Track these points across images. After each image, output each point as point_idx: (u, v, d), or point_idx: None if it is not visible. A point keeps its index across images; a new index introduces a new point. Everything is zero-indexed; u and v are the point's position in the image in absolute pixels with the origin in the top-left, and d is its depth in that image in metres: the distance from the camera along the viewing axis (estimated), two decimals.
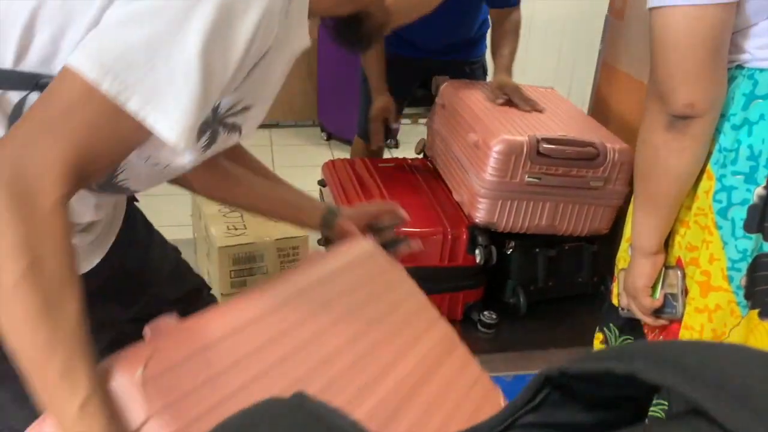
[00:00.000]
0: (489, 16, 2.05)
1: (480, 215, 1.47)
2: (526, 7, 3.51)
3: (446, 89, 1.77)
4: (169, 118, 0.60)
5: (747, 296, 0.91)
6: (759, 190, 0.88)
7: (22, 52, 0.65)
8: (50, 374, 0.56)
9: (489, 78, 2.11)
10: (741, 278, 0.91)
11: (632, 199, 1.01)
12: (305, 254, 1.55)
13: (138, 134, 0.62)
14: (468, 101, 1.63)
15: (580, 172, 1.45)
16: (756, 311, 0.92)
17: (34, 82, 0.65)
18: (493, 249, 1.49)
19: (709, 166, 0.93)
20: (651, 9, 0.87)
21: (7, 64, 0.65)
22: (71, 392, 0.56)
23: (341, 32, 0.86)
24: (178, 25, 0.59)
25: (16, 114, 0.66)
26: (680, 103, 0.87)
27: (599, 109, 1.90)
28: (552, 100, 1.74)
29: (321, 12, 0.81)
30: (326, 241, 1.62)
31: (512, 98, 1.64)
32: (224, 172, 1.01)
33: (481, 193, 1.45)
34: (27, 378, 0.57)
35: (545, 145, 1.40)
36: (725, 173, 0.91)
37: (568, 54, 3.67)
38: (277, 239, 1.50)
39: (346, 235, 1.04)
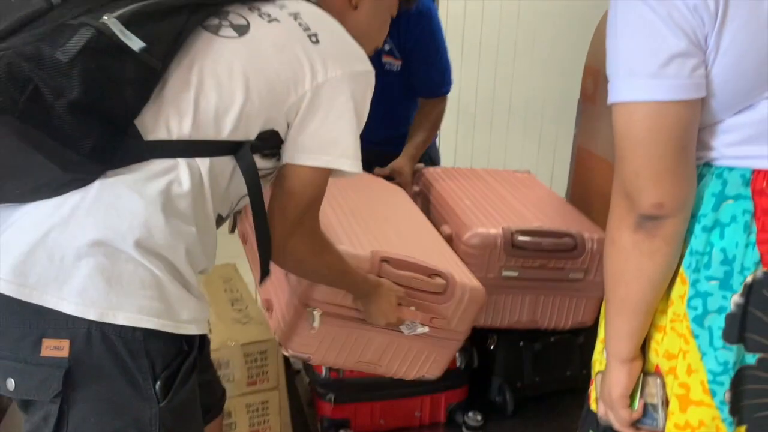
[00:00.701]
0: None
1: None
2: (503, 89, 3.61)
3: (422, 176, 1.75)
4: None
5: (732, 412, 0.84)
6: (736, 298, 0.83)
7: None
8: None
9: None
10: (724, 392, 0.84)
11: (603, 301, 0.96)
12: (274, 359, 1.47)
13: None
14: (441, 191, 1.60)
15: (559, 264, 1.40)
16: (743, 428, 0.85)
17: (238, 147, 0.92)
18: (474, 352, 1.42)
19: (682, 269, 0.88)
20: (612, 104, 0.84)
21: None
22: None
23: None
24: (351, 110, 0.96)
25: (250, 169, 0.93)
26: (648, 203, 0.82)
27: (578, 194, 1.87)
28: (528, 186, 1.72)
29: None
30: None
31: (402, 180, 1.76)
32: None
33: None
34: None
35: (520, 238, 1.36)
36: (699, 278, 0.85)
37: (548, 137, 3.71)
38: (244, 344, 1.43)
39: None
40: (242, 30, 0.92)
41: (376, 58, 1.92)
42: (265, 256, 0.96)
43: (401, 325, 1.20)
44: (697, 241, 0.85)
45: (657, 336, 0.91)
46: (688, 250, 0.86)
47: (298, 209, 0.96)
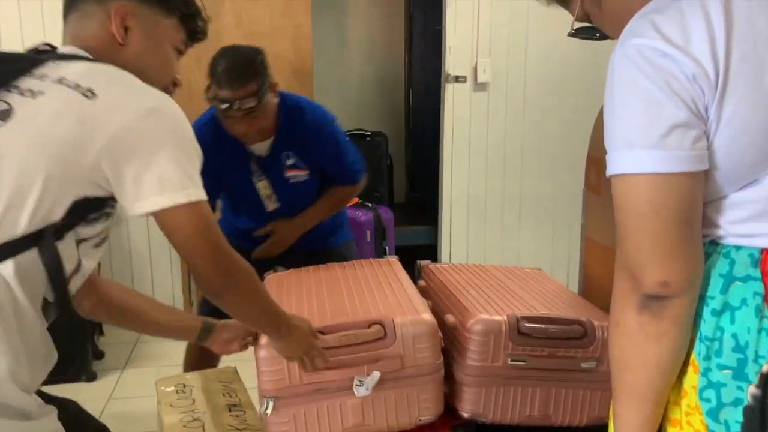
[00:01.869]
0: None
1: (465, 407, 1.34)
2: (513, 184, 3.62)
3: (426, 272, 1.72)
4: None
5: None
6: (752, 390, 0.76)
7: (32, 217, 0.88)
8: None
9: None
10: None
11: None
12: None
13: None
14: (446, 282, 1.57)
15: (569, 353, 1.34)
16: None
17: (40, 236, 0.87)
18: None
19: (693, 356, 0.81)
20: (611, 177, 0.81)
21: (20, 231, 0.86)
22: None
23: None
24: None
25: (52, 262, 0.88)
26: (653, 282, 0.77)
27: (589, 287, 1.82)
28: (538, 281, 1.68)
29: None
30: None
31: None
32: (119, 306, 1.30)
33: (464, 381, 1.33)
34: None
35: (526, 324, 1.31)
36: (710, 366, 0.79)
37: (561, 232, 3.68)
38: None
39: (224, 345, 1.39)
40: (4, 115, 0.89)
41: (278, 174, 2.07)
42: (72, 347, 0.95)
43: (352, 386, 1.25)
44: (706, 326, 0.79)
45: (671, 431, 0.84)
46: (698, 336, 0.80)
47: (190, 251, 0.96)
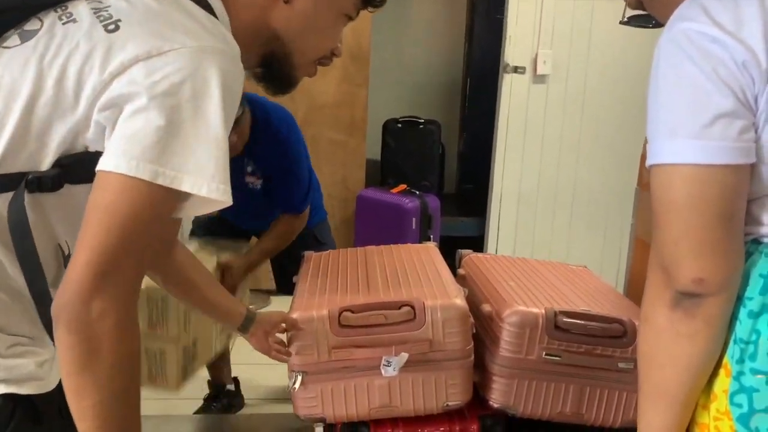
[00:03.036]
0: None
1: (495, 396, 1.31)
2: (566, 184, 3.53)
3: (467, 261, 1.70)
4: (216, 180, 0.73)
5: None
6: None
7: (5, 156, 0.74)
8: None
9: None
10: None
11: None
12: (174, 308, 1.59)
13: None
14: (486, 272, 1.54)
15: (606, 351, 1.29)
16: None
17: (24, 179, 0.74)
18: None
19: (726, 359, 0.77)
20: (651, 167, 0.78)
21: None
22: None
23: (267, 78, 0.97)
24: (197, 113, 0.72)
25: (16, 217, 0.73)
26: (687, 278, 0.74)
27: (635, 287, 1.77)
28: (581, 278, 1.63)
29: None
30: None
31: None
32: (184, 279, 1.20)
33: (495, 371, 1.31)
34: None
35: (564, 319, 1.28)
36: (743, 370, 0.75)
37: (613, 229, 3.57)
38: (147, 287, 1.39)
39: (262, 339, 1.33)
40: (28, 35, 0.77)
41: (238, 178, 2.10)
42: (45, 318, 0.73)
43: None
44: (742, 328, 0.75)
45: None
46: (732, 338, 0.76)
47: (108, 242, 0.70)
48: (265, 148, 2.12)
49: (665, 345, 0.77)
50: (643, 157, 1.78)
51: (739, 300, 0.76)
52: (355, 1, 0.96)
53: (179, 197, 0.74)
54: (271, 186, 2.18)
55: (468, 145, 4.37)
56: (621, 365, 1.31)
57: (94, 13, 0.78)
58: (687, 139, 0.73)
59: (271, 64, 0.95)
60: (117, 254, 0.70)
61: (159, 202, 0.72)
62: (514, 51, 3.49)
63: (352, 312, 1.26)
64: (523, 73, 3.49)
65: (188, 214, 0.78)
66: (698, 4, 0.75)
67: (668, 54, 0.76)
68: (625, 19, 0.98)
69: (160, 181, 0.71)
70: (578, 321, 1.28)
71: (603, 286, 1.62)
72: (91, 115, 0.74)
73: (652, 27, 0.95)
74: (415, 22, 4.46)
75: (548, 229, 3.62)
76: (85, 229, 0.71)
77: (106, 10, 0.78)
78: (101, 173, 0.72)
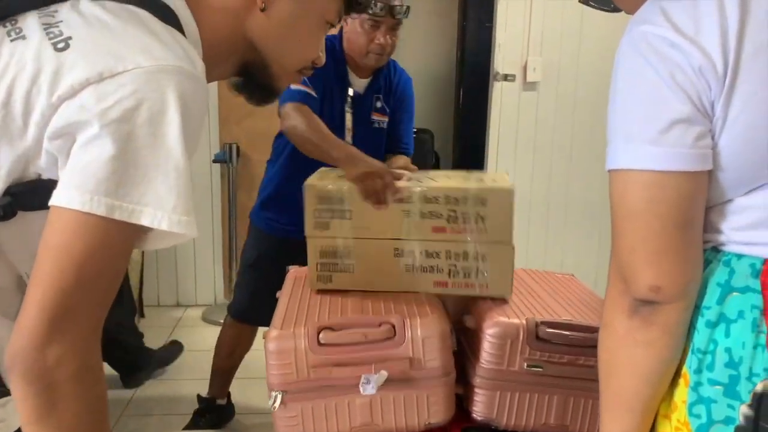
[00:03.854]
0: None
1: (478, 409, 1.31)
2: (559, 192, 3.52)
3: None
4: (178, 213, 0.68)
5: None
6: (744, 409, 0.71)
7: None
8: None
9: None
10: None
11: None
12: None
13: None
14: None
15: (589, 361, 1.28)
16: None
17: None
18: None
19: (684, 369, 0.76)
20: (609, 171, 0.77)
21: None
22: None
23: (247, 88, 0.92)
24: (155, 140, 0.67)
25: None
26: (644, 285, 0.73)
27: None
28: (566, 286, 1.63)
29: (210, 79, 0.84)
30: None
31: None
32: None
33: (477, 384, 1.30)
34: None
35: (546, 329, 1.27)
36: (701, 381, 0.74)
37: (607, 240, 3.56)
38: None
39: None
40: None
41: (365, 114, 2.09)
42: None
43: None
44: (699, 338, 0.74)
45: None
46: (690, 348, 0.75)
47: (62, 286, 0.66)
48: (394, 84, 2.15)
49: (624, 352, 0.77)
50: None
51: (697, 309, 0.76)
52: (336, 7, 0.91)
53: (139, 231, 0.69)
54: (394, 125, 2.17)
55: (462, 153, 4.37)
56: None
57: (45, 29, 0.72)
58: (643, 144, 0.72)
59: (250, 75, 0.90)
60: (72, 296, 0.66)
61: (116, 239, 0.68)
62: (503, 59, 3.49)
63: (332, 330, 1.25)
64: (513, 80, 3.50)
65: (149, 248, 0.74)
66: (658, 6, 0.74)
67: (627, 57, 0.75)
68: None
69: (116, 216, 0.66)
70: (560, 331, 1.27)
71: (588, 295, 1.61)
72: (42, 142, 0.69)
73: (610, 11, 0.94)
74: (407, 32, 4.45)
75: (542, 236, 3.61)
76: (38, 270, 0.66)
77: (57, 27, 0.72)
78: (54, 208, 0.67)
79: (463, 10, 4.32)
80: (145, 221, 0.67)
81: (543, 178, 3.57)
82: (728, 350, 0.72)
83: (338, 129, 2.07)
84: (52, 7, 0.75)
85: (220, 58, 0.85)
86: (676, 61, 0.70)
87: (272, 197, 2.18)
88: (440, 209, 1.39)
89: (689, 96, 0.70)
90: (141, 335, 2.81)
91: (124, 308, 2.73)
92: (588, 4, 0.96)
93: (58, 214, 0.67)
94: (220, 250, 3.62)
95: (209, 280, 3.63)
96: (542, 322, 1.28)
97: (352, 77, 2.10)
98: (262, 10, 0.84)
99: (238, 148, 3.42)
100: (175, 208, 0.68)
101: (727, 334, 0.72)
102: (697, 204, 0.73)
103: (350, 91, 2.09)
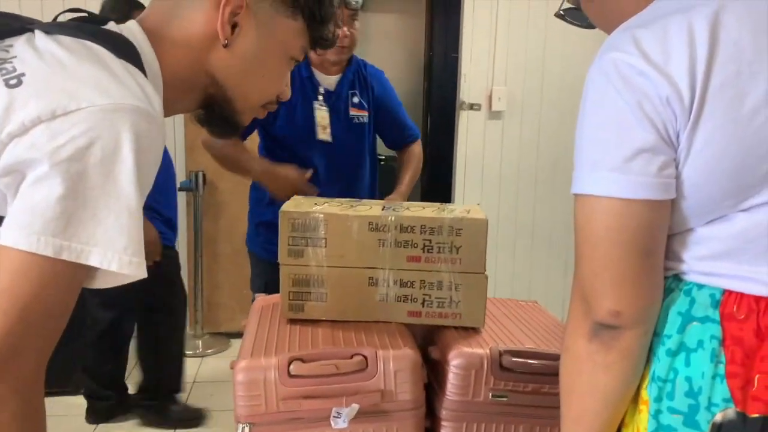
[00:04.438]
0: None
1: None
2: (525, 218, 3.58)
3: None
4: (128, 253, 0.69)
5: None
6: None
7: None
8: None
9: None
10: None
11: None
12: None
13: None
14: None
15: (553, 389, 1.29)
16: None
17: None
18: None
19: (646, 396, 0.78)
20: (574, 196, 0.78)
21: None
22: None
23: (209, 121, 0.92)
24: (107, 180, 0.67)
25: None
26: (604, 310, 0.75)
27: None
28: (530, 314, 1.65)
29: (172, 113, 0.87)
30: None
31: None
32: None
33: (443, 416, 1.30)
34: None
35: (510, 358, 1.28)
36: (661, 408, 0.76)
37: (573, 265, 3.62)
38: None
39: None
40: None
41: (343, 110, 2.11)
42: None
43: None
44: (660, 366, 0.76)
45: None
46: (650, 375, 0.77)
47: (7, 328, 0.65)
48: (368, 79, 2.18)
49: (584, 375, 0.78)
50: None
51: (658, 337, 0.77)
52: (302, 44, 0.91)
53: (87, 272, 0.69)
54: (389, 120, 2.22)
55: (430, 179, 4.41)
56: None
57: None
58: (608, 171, 0.73)
59: (212, 108, 0.90)
60: (15, 339, 0.65)
61: (64, 280, 0.67)
62: (469, 88, 3.56)
63: (303, 361, 1.24)
64: (478, 109, 3.56)
65: (97, 287, 0.73)
66: (630, 34, 0.74)
67: (596, 84, 0.75)
68: (561, 11, 0.96)
69: (65, 257, 0.65)
70: (523, 360, 1.29)
71: (552, 322, 1.63)
72: None
73: (584, 27, 0.95)
74: (375, 61, 4.52)
75: (509, 264, 3.66)
76: None
77: (11, 62, 0.71)
78: (0, 248, 0.66)
79: (429, 40, 4.40)
80: (93, 262, 0.67)
81: (509, 205, 3.63)
82: (688, 379, 0.74)
83: (308, 133, 2.11)
84: (7, 41, 0.75)
85: (182, 92, 0.86)
86: (643, 89, 0.71)
87: (263, 222, 2.18)
88: (415, 239, 1.40)
89: (655, 125, 0.71)
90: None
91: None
92: (563, 19, 0.97)
93: (4, 254, 0.66)
94: (185, 278, 3.58)
95: None
96: (506, 351, 1.29)
97: (320, 76, 2.12)
98: (225, 46, 0.83)
99: (204, 175, 3.41)
100: (125, 248, 0.68)
101: (687, 363, 0.74)
102: (658, 232, 0.75)
103: (321, 89, 2.11)
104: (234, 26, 0.83)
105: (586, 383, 0.78)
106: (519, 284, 3.62)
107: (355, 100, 2.15)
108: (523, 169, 3.62)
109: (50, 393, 1.13)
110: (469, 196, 3.61)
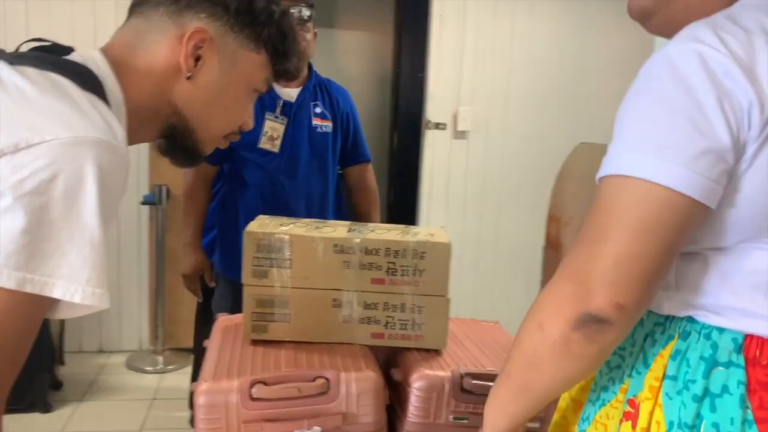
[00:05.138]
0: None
1: None
2: (489, 237, 3.63)
3: None
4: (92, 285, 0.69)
5: None
6: None
7: None
8: None
9: None
10: None
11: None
12: None
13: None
14: None
15: None
16: None
17: None
18: None
19: None
20: (612, 176, 0.72)
21: None
22: None
23: (171, 151, 0.93)
24: (70, 212, 0.67)
25: None
26: (609, 301, 0.69)
27: None
28: (491, 334, 1.67)
29: (135, 141, 0.87)
30: None
31: None
32: None
33: None
34: None
35: (470, 381, 1.30)
36: None
37: (536, 284, 3.67)
38: None
39: None
40: None
41: (306, 120, 2.16)
42: None
43: None
44: (686, 412, 0.73)
45: None
46: (676, 422, 0.74)
47: None
48: (332, 93, 2.23)
49: (553, 357, 0.74)
50: (551, 218, 1.86)
51: (676, 381, 0.75)
52: (264, 76, 0.92)
53: (51, 302, 0.69)
54: (349, 139, 2.28)
55: (396, 197, 4.44)
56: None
57: None
58: (676, 163, 0.68)
59: (173, 138, 0.91)
60: None
61: (26, 312, 0.67)
62: (435, 108, 3.61)
63: (265, 384, 1.24)
64: (444, 128, 3.61)
65: (60, 317, 0.73)
66: (711, 29, 0.70)
67: (676, 69, 0.70)
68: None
69: (28, 289, 0.66)
70: (484, 382, 1.31)
71: (512, 342, 1.66)
72: None
73: (649, 29, 0.89)
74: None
75: (472, 283, 3.69)
76: None
77: None
78: None
79: (396, 59, 4.45)
80: (57, 294, 0.67)
81: (473, 224, 3.67)
82: (715, 425, 0.72)
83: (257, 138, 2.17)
84: None
85: (145, 122, 0.86)
86: (727, 90, 0.68)
87: (225, 237, 2.21)
88: (380, 261, 1.41)
89: (731, 128, 0.68)
90: None
91: None
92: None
93: None
94: (146, 293, 3.53)
95: (134, 325, 3.53)
96: (467, 374, 1.31)
97: (278, 89, 2.14)
98: (188, 78, 0.85)
99: (168, 190, 3.37)
100: (89, 280, 0.68)
101: (713, 409, 0.72)
102: (690, 237, 0.72)
103: (279, 102, 2.13)
104: (198, 59, 0.85)
105: (551, 364, 0.75)
106: (482, 302, 3.65)
107: (318, 110, 2.20)
108: (487, 188, 3.67)
109: None
110: (434, 215, 3.64)
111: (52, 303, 0.70)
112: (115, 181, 0.72)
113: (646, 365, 0.78)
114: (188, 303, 3.57)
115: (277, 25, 0.89)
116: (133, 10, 0.88)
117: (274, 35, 0.89)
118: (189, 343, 3.54)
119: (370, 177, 2.38)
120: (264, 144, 2.12)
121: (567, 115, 3.74)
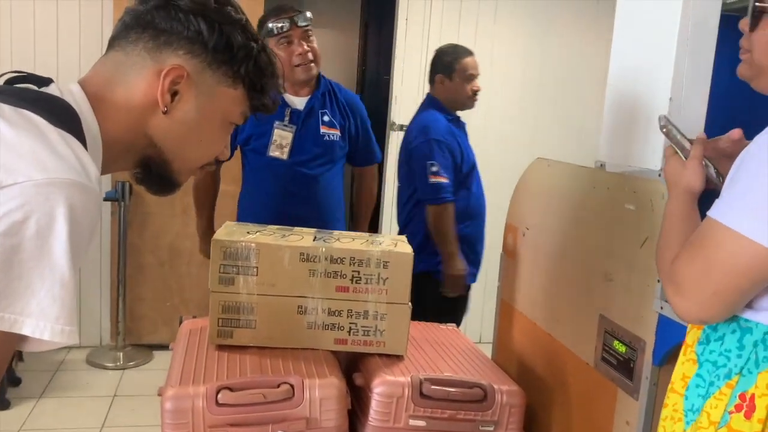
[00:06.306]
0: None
1: None
2: None
3: None
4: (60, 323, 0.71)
5: None
6: None
7: None
8: None
9: None
10: None
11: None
12: None
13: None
14: None
15: (468, 415, 1.39)
16: None
17: None
18: None
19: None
20: (733, 230, 0.87)
21: None
22: None
23: (146, 180, 0.94)
24: (41, 253, 0.69)
25: None
26: (696, 316, 0.92)
27: (501, 348, 1.90)
28: (449, 338, 1.74)
29: (110, 171, 0.89)
30: None
31: None
32: None
33: None
34: None
35: (429, 386, 1.36)
36: None
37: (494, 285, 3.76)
38: None
39: None
40: None
41: (313, 128, 2.23)
42: None
43: None
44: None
45: None
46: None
47: None
48: (339, 101, 2.26)
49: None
50: (508, 227, 1.93)
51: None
52: (240, 109, 0.93)
53: (19, 339, 0.71)
54: (360, 141, 2.31)
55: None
56: (482, 428, 1.41)
57: None
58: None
59: (149, 168, 0.92)
60: None
61: None
62: (399, 110, 3.66)
63: (231, 390, 1.28)
64: None
65: (30, 350, 0.75)
66: None
67: None
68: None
69: None
70: (442, 387, 1.37)
71: (468, 347, 1.73)
72: None
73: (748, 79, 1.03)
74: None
75: None
76: None
77: None
78: None
79: (362, 59, 4.50)
80: (26, 331, 0.69)
81: None
82: None
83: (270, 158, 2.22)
84: None
85: (121, 153, 0.88)
86: None
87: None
88: (345, 269, 1.46)
89: None
90: None
91: None
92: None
93: None
94: (107, 289, 3.52)
95: (95, 321, 3.51)
96: (426, 379, 1.38)
97: (289, 98, 2.20)
98: (165, 112, 0.86)
99: (131, 186, 3.36)
100: (58, 318, 0.71)
101: None
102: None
103: (287, 110, 2.19)
104: (174, 94, 0.86)
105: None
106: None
107: (326, 118, 2.24)
108: None
109: None
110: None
111: (22, 338, 0.72)
112: (86, 220, 0.73)
113: (757, 365, 0.91)
114: (149, 299, 3.58)
115: (255, 61, 0.91)
116: (112, 44, 0.89)
117: (251, 72, 0.91)
118: (150, 339, 3.55)
119: (373, 178, 2.50)
120: (273, 152, 2.18)
121: (528, 119, 3.84)
